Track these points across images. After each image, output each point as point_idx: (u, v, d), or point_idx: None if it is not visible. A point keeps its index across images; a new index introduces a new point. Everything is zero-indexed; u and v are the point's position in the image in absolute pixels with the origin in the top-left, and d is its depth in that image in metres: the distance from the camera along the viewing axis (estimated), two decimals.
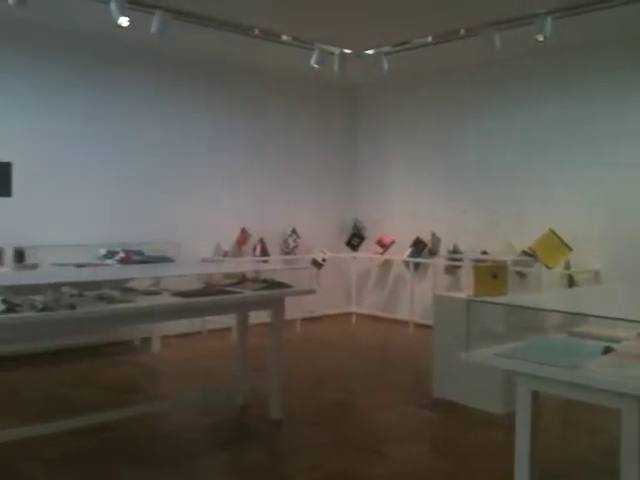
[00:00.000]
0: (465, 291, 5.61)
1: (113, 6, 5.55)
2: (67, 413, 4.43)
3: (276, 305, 4.74)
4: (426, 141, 8.66)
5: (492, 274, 4.82)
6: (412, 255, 8.34)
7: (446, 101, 8.40)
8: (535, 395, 2.72)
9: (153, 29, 5.83)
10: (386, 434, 4.54)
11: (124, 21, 5.66)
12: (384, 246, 8.74)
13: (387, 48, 7.16)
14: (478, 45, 6.44)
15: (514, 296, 4.35)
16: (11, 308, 3.55)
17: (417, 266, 8.35)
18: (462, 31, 6.62)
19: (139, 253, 7.10)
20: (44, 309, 3.59)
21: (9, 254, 6.40)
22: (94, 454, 4.03)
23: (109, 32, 6.22)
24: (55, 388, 5.50)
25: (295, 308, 7.04)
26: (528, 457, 2.71)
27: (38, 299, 3.68)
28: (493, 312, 4.62)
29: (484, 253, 7.54)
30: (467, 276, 7.44)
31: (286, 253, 8.53)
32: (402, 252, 8.49)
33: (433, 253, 8.15)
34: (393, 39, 7.00)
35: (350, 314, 8.98)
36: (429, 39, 6.94)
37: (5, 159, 6.58)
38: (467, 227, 8.02)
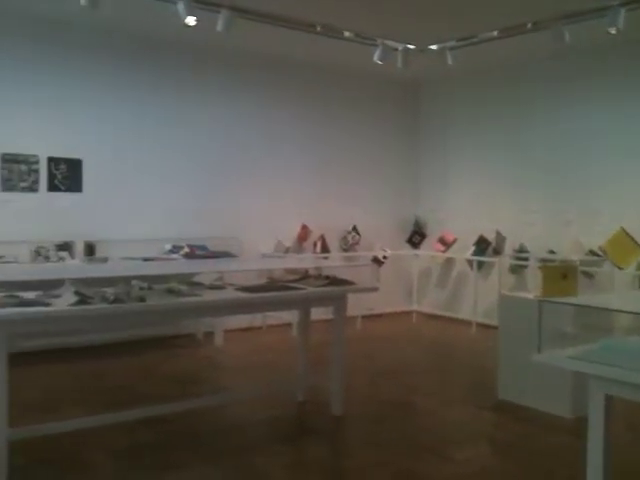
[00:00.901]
0: (532, 291, 5.47)
1: (180, 6, 5.67)
2: (131, 404, 4.56)
3: (338, 302, 4.74)
4: (492, 138, 8.49)
5: (561, 274, 4.68)
6: (475, 254, 8.19)
7: (514, 97, 8.20)
8: (609, 399, 2.63)
9: (219, 27, 5.92)
10: (450, 434, 4.47)
11: (191, 20, 5.78)
12: (446, 244, 8.61)
13: (452, 43, 7.05)
14: (546, 39, 6.27)
15: (586, 297, 4.20)
16: (83, 300, 3.66)
17: (481, 265, 8.20)
18: (529, 25, 6.45)
19: (203, 248, 7.24)
20: (115, 301, 3.70)
21: (80, 248, 6.63)
22: (158, 445, 4.12)
23: (178, 32, 6.34)
24: (120, 379, 5.66)
25: (355, 305, 7.01)
26: (602, 464, 2.62)
27: (109, 291, 3.80)
28: (563, 313, 4.47)
29: (551, 252, 7.34)
30: (533, 276, 7.25)
31: (346, 250, 8.52)
32: (465, 250, 8.35)
33: (497, 252, 7.98)
34: (458, 34, 6.89)
35: (411, 312, 8.90)
36: (495, 33, 6.79)
37: (76, 156, 6.83)
38: (534, 226, 7.82)
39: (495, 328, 5.57)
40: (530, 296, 5.11)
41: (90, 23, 6.54)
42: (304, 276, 4.93)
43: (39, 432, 3.85)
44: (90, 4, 5.27)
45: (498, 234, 8.03)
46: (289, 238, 8.13)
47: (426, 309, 9.04)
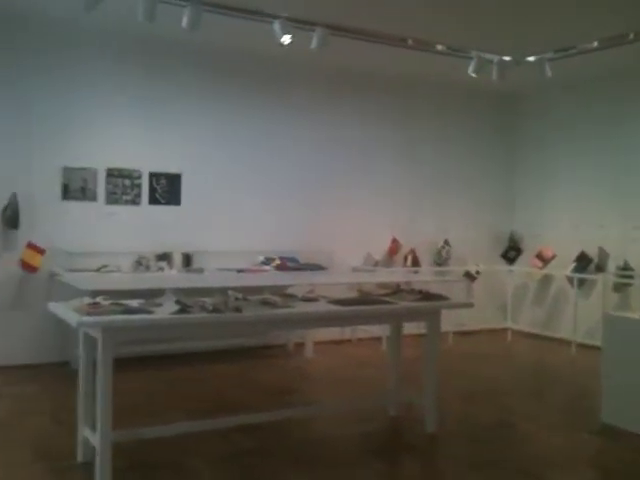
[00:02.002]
0: (638, 311, 5.17)
1: (276, 26, 5.79)
2: (227, 411, 4.65)
3: (432, 317, 4.65)
4: (594, 149, 8.12)
5: None
6: (576, 270, 7.83)
7: (615, 108, 7.83)
8: None
9: (313, 45, 5.98)
10: (550, 459, 4.26)
11: (287, 39, 5.89)
12: (544, 260, 8.28)
13: (550, 54, 6.82)
14: None
15: None
16: (184, 309, 3.78)
17: (582, 283, 7.82)
18: (631, 35, 6.15)
19: (293, 260, 7.32)
20: (214, 311, 3.79)
21: (178, 259, 6.86)
22: (254, 453, 4.17)
23: (273, 49, 6.47)
24: (215, 387, 5.79)
25: (446, 320, 6.86)
26: None
27: (208, 301, 3.89)
28: None
29: None
30: (639, 295, 6.86)
31: (439, 265, 8.38)
32: (564, 267, 8.00)
33: (600, 269, 7.60)
34: (556, 45, 6.66)
35: (505, 330, 8.61)
36: (595, 44, 6.52)
37: (176, 171, 7.09)
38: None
39: (596, 348, 5.31)
40: (637, 316, 4.83)
41: (191, 43, 6.79)
42: (396, 290, 4.88)
43: (141, 436, 3.99)
44: (189, 27, 5.46)
45: (601, 250, 7.65)
46: (379, 252, 8.09)
47: (521, 327, 8.72)
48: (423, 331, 4.72)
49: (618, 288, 7.45)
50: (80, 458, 3.89)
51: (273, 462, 4.01)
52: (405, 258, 8.15)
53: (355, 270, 7.81)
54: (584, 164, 8.24)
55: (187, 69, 7.13)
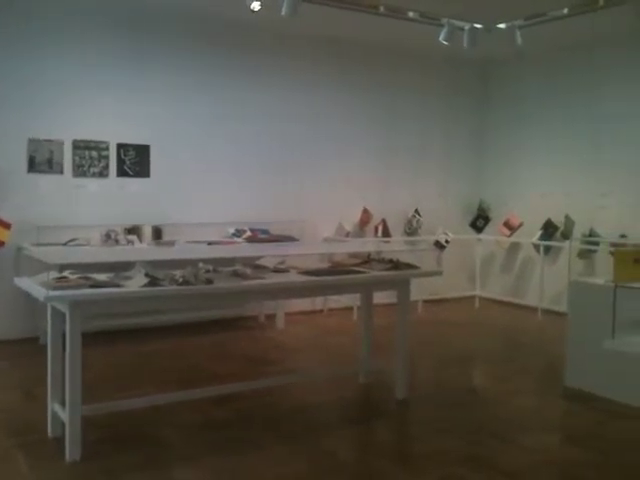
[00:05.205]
0: (602, 277, 5.29)
1: None
2: (201, 383, 4.67)
3: (402, 286, 4.72)
4: (561, 118, 8.20)
5: (634, 259, 4.50)
6: (542, 238, 7.97)
7: (585, 77, 7.88)
8: None
9: (284, 12, 5.90)
10: (518, 422, 4.38)
11: (256, 6, 5.79)
12: (512, 228, 8.41)
13: (520, 21, 6.83)
14: (621, 16, 5.99)
15: None
16: (154, 282, 3.76)
17: (548, 250, 7.97)
18: (601, 1, 6.17)
19: (264, 232, 7.31)
20: (184, 283, 3.79)
21: (148, 232, 6.80)
22: (229, 423, 4.21)
23: (245, 16, 6.35)
24: (188, 359, 5.81)
25: (416, 289, 6.96)
26: None
27: (178, 274, 3.88)
28: (636, 299, 4.31)
29: (622, 237, 7.06)
30: (603, 261, 7.02)
31: (410, 234, 8.44)
32: (531, 235, 8.14)
33: (566, 237, 7.74)
34: (526, 12, 6.66)
35: (473, 297, 8.76)
36: (565, 11, 6.54)
37: (144, 142, 6.99)
38: (606, 209, 7.54)
39: (562, 315, 5.44)
40: (601, 282, 4.94)
41: (161, 9, 6.63)
42: (367, 260, 4.92)
43: (112, 408, 4.00)
44: None
45: (567, 218, 7.78)
46: (350, 222, 8.11)
47: (489, 294, 8.88)
48: (394, 300, 4.78)
49: (583, 255, 7.61)
50: (50, 433, 3.88)
51: (247, 431, 4.06)
52: (376, 228, 8.19)
53: (327, 241, 7.84)
54: (553, 133, 8.32)
55: (154, 38, 6.96)
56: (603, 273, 5.65)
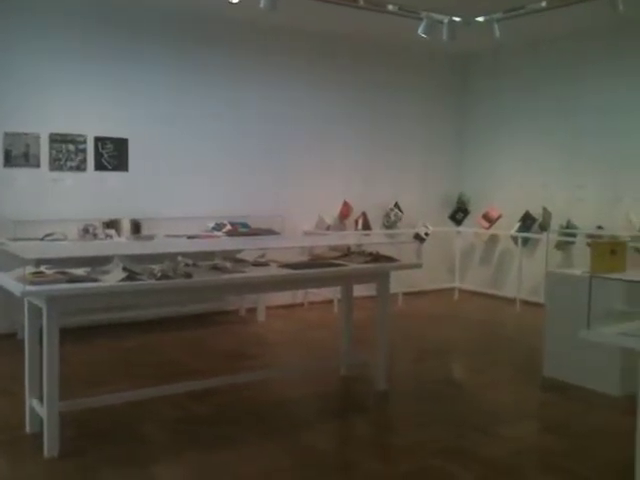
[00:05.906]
0: (579, 268, 5.36)
1: None
2: (180, 378, 4.65)
3: (382, 278, 4.73)
4: (540, 112, 8.25)
5: (610, 250, 4.57)
6: (520, 230, 8.04)
7: (563, 70, 7.95)
8: None
9: (262, 4, 5.87)
10: (496, 412, 4.43)
11: None
12: (490, 220, 8.48)
13: (498, 15, 6.86)
14: (598, 9, 6.04)
15: (636, 272, 4.10)
16: (132, 276, 3.74)
17: (526, 242, 8.05)
18: None
19: (244, 225, 7.29)
20: (162, 277, 3.76)
21: (126, 226, 6.74)
22: (208, 418, 4.20)
23: (222, 8, 6.31)
24: (167, 354, 5.78)
25: (396, 282, 7.00)
26: None
27: (157, 268, 3.86)
28: (612, 290, 4.37)
29: (599, 228, 7.16)
30: (580, 253, 7.10)
31: (388, 227, 8.47)
32: (509, 227, 8.21)
33: (544, 228, 7.82)
34: (505, 5, 6.70)
35: (453, 289, 8.82)
36: (543, 4, 6.58)
37: (123, 135, 6.92)
38: (583, 202, 7.63)
39: (540, 306, 5.50)
40: (578, 272, 5.00)
41: (140, 3, 6.56)
42: (347, 253, 4.92)
43: (91, 404, 3.96)
44: None
45: (545, 210, 7.86)
46: (331, 216, 8.11)
47: (469, 286, 8.94)
48: (374, 293, 4.80)
49: (561, 246, 7.70)
50: (29, 429, 3.85)
51: (228, 426, 4.05)
52: (356, 222, 8.21)
53: (307, 234, 7.84)
54: (532, 126, 8.38)
55: (132, 30, 6.89)
56: (581, 264, 5.71)
